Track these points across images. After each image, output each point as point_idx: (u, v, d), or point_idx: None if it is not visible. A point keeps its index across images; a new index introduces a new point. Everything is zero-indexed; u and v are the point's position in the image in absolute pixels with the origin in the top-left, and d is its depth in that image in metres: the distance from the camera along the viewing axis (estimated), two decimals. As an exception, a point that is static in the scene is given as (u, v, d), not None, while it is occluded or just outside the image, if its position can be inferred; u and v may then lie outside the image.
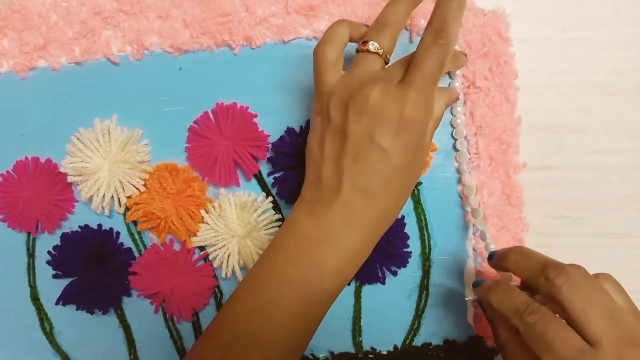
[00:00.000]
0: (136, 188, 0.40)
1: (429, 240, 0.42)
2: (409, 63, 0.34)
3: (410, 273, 0.43)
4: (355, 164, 0.33)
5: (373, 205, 0.33)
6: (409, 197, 0.35)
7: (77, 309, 0.42)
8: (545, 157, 0.42)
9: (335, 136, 0.34)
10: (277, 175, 0.41)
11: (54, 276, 0.42)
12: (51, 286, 0.43)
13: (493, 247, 0.39)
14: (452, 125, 0.41)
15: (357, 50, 0.35)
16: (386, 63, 0.35)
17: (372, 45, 0.34)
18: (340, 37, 0.35)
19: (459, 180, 0.41)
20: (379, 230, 0.34)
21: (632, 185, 0.43)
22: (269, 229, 0.41)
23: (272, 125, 0.41)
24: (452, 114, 0.41)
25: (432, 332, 0.43)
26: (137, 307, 0.44)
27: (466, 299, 0.42)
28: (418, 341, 0.44)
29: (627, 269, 0.43)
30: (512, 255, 0.35)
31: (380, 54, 0.34)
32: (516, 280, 0.38)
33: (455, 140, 0.41)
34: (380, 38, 0.34)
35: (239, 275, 0.41)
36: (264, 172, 0.42)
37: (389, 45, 0.35)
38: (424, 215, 0.42)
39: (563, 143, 0.42)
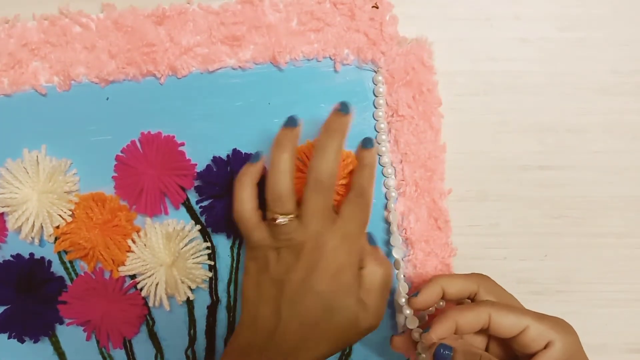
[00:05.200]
0: (63, 218, 0.40)
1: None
2: (332, 218, 0.37)
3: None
4: (292, 306, 0.36)
5: (306, 346, 0.36)
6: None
7: (8, 338, 0.43)
8: (545, 157, 0.43)
9: (272, 282, 0.37)
10: (204, 204, 0.41)
11: (-14, 306, 0.42)
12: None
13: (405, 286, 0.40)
14: (378, 152, 0.41)
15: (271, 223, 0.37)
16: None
17: (282, 219, 0.36)
18: (249, 196, 0.37)
19: (385, 206, 0.42)
20: None
21: (632, 185, 0.43)
22: (196, 257, 0.41)
23: (199, 154, 0.41)
24: (378, 142, 0.41)
25: (362, 361, 0.44)
26: (71, 334, 0.44)
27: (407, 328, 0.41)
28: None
29: (627, 269, 0.44)
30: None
31: (292, 218, 0.36)
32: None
33: (383, 167, 0.41)
34: (284, 208, 0.36)
35: (166, 305, 0.41)
36: (193, 200, 0.42)
37: (293, 205, 0.37)
38: (353, 241, 0.42)
39: (563, 143, 0.42)
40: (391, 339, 0.40)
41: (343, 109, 0.37)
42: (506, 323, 0.34)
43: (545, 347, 0.34)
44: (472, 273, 0.38)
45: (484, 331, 0.36)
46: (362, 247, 0.38)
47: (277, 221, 0.36)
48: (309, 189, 0.36)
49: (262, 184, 0.38)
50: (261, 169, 0.38)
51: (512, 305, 0.36)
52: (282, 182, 0.36)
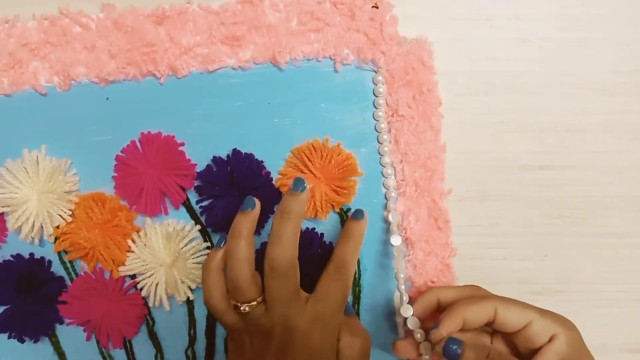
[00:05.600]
0: (63, 218, 0.40)
1: (358, 266, 0.43)
2: (300, 299, 0.36)
3: (340, 299, 0.43)
4: None
5: None
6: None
7: (8, 338, 0.43)
8: (545, 157, 0.43)
9: None
10: (204, 204, 0.41)
11: (-14, 306, 0.42)
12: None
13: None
14: (379, 152, 0.41)
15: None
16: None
17: (245, 307, 0.36)
18: (215, 283, 0.37)
19: (385, 206, 0.42)
20: None
21: (632, 185, 0.43)
22: (196, 257, 0.41)
23: (199, 154, 0.41)
24: (379, 142, 0.41)
25: (362, 357, 0.43)
26: (71, 334, 0.44)
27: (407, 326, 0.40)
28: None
29: (627, 269, 0.44)
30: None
31: (257, 303, 0.36)
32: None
33: (383, 167, 0.41)
34: (244, 297, 0.36)
35: (166, 305, 0.42)
36: (193, 200, 0.42)
37: (255, 291, 0.36)
38: (353, 241, 0.42)
39: (563, 143, 0.43)
40: (394, 344, 0.39)
41: (297, 186, 0.36)
42: (511, 316, 0.35)
43: (550, 340, 0.34)
44: (489, 296, 0.37)
45: (487, 331, 0.36)
46: (338, 323, 0.37)
47: (241, 309, 0.36)
48: (266, 276, 0.35)
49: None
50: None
51: (516, 300, 0.36)
52: (240, 271, 0.35)
